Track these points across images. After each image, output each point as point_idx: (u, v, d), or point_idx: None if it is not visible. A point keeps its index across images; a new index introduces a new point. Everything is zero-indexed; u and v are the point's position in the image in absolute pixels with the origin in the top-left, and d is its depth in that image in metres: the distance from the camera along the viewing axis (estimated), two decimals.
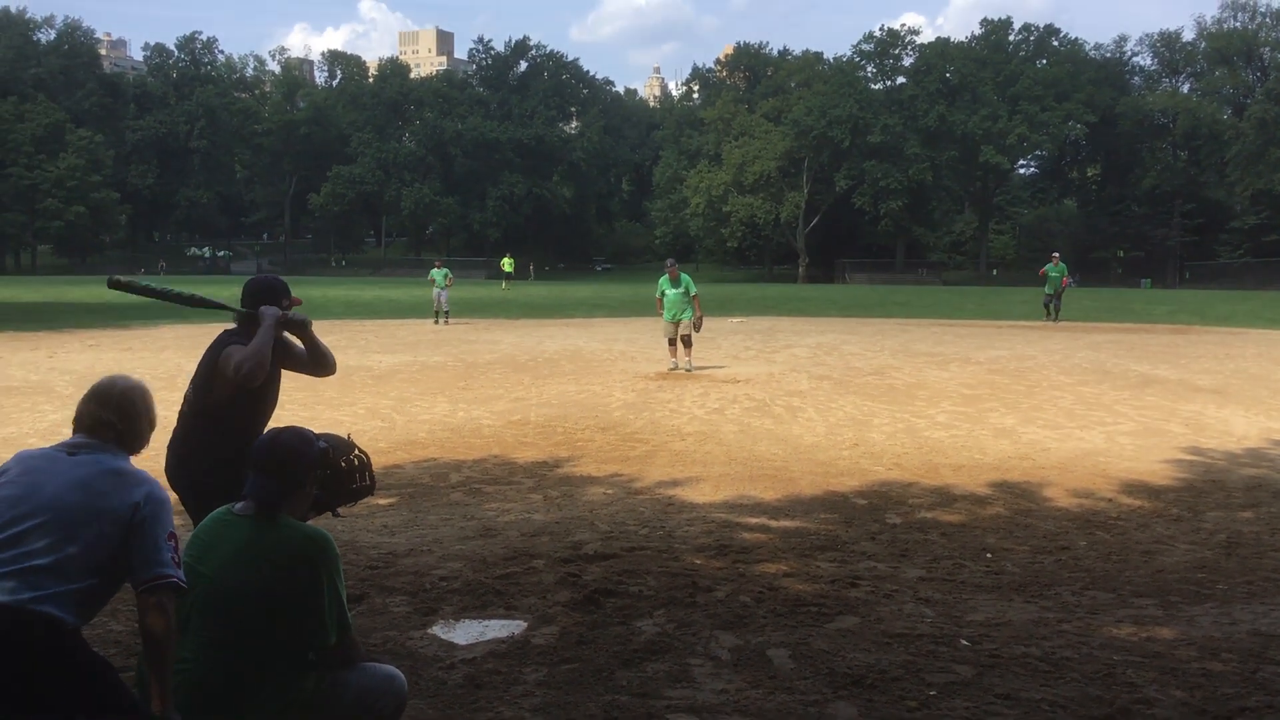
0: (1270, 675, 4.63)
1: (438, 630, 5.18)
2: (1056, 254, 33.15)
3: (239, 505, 3.48)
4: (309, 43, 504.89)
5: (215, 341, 4.79)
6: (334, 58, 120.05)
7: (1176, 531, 7.37)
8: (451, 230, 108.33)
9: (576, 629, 5.17)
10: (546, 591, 5.77)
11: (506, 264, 63.04)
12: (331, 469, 3.95)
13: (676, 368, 16.99)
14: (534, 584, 5.91)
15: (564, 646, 4.95)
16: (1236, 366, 18.79)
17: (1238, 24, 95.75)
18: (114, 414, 3.40)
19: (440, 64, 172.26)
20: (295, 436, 3.60)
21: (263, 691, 3.27)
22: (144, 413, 3.48)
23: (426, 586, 5.84)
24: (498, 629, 5.20)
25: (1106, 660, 4.80)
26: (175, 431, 4.76)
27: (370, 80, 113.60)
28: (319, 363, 5.12)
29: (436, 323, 28.15)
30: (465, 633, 5.14)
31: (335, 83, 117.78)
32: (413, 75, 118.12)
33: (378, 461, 9.44)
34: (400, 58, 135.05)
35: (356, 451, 4.21)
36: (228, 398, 4.64)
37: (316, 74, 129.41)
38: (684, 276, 17.31)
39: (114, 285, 4.92)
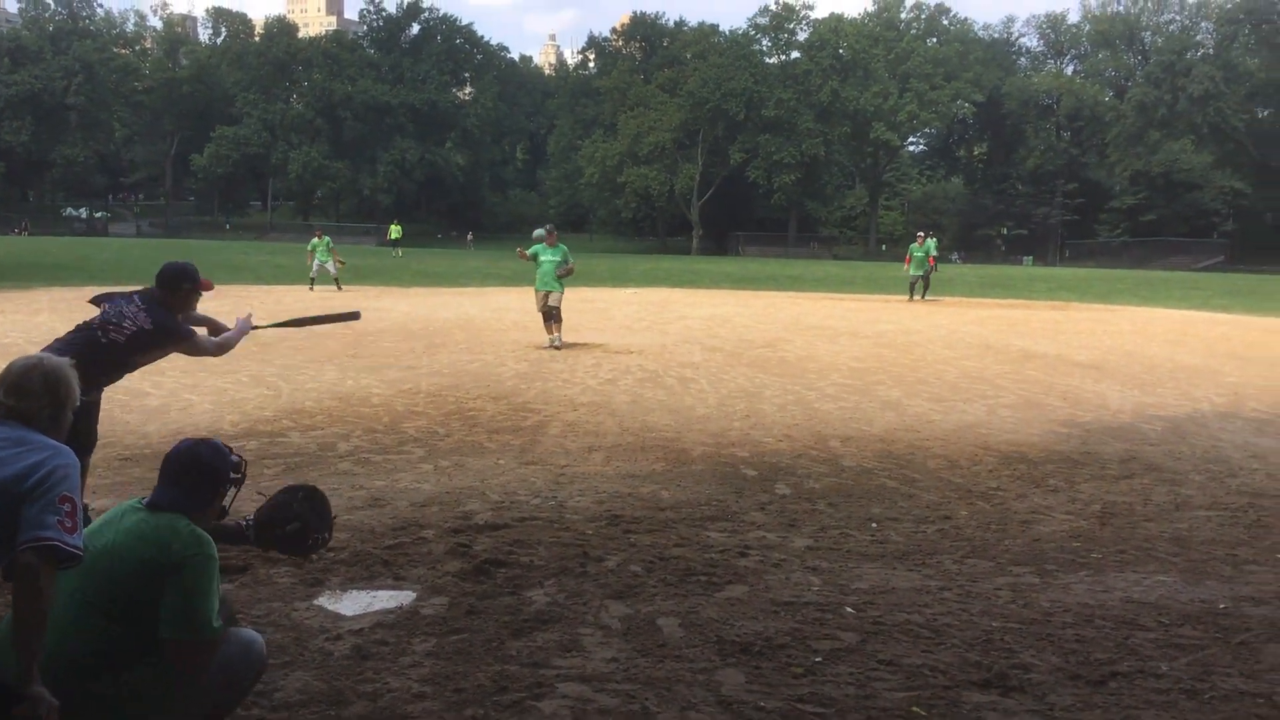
0: (1141, 641, 4.80)
1: (324, 601, 5.09)
2: (922, 233, 31.95)
3: (146, 498, 3.49)
4: None
5: (159, 317, 5.86)
6: (218, 14, 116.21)
7: (1054, 502, 7.60)
8: (341, 195, 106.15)
9: (466, 599, 5.14)
10: (436, 562, 5.71)
11: (395, 230, 62.28)
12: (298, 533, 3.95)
13: (556, 344, 15.99)
14: (423, 554, 5.84)
15: (453, 617, 4.91)
16: (1113, 343, 19.44)
17: (1120, 8, 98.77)
18: (10, 396, 3.26)
19: (329, 24, 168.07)
20: (211, 452, 3.59)
21: (115, 664, 3.22)
22: (41, 393, 3.31)
23: (313, 557, 5.73)
24: (386, 600, 5.13)
25: (986, 627, 4.93)
26: (65, 347, 5.53)
27: (256, 39, 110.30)
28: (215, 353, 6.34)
29: (312, 289, 27.91)
30: (352, 604, 5.07)
31: (220, 40, 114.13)
32: (301, 35, 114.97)
33: (262, 430, 9.26)
34: (288, 16, 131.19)
35: (326, 535, 4.14)
36: (148, 360, 6.00)
37: (200, 31, 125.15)
38: (561, 245, 16.54)
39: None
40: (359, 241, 79.74)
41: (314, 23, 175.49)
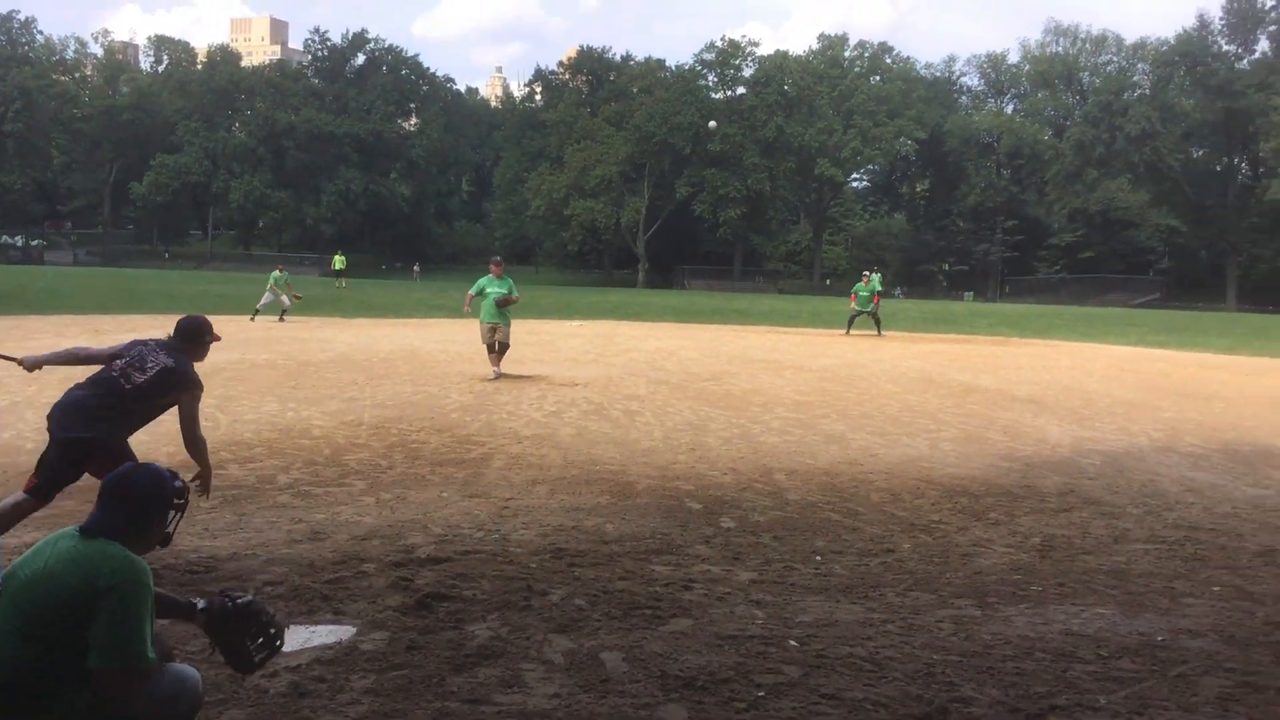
0: (1080, 674, 4.84)
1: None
2: (868, 272, 32.34)
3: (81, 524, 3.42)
4: (136, 26, 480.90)
5: (181, 360, 6.22)
6: (160, 42, 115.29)
7: (994, 535, 7.66)
8: (283, 225, 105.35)
9: (407, 634, 5.07)
10: (377, 596, 5.64)
11: (338, 261, 61.85)
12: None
13: (497, 375, 15.89)
14: (364, 588, 5.76)
15: (394, 652, 4.84)
16: (1052, 378, 19.70)
17: (1059, 49, 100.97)
18: None
19: (274, 53, 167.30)
20: (148, 477, 3.55)
21: (44, 692, 3.15)
22: None
23: (250, 592, 5.63)
24: (325, 635, 5.05)
25: (927, 660, 4.95)
26: (101, 394, 6.01)
27: (199, 67, 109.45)
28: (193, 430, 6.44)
29: (253, 320, 27.74)
30: (290, 639, 4.95)
31: (161, 68, 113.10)
32: (244, 64, 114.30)
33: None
34: (231, 45, 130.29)
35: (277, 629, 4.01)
36: (166, 404, 6.23)
37: (142, 59, 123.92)
38: (507, 278, 16.57)
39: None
40: (301, 272, 79.08)
41: (257, 51, 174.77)
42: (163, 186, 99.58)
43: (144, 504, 3.47)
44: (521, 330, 19.56)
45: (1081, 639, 5.34)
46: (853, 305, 31.52)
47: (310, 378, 15.55)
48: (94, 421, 5.97)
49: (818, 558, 6.86)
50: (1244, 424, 14.29)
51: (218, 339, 6.64)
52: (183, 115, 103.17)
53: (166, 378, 6.13)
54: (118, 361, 6.17)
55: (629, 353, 21.92)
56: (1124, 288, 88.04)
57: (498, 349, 16.21)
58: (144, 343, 6.35)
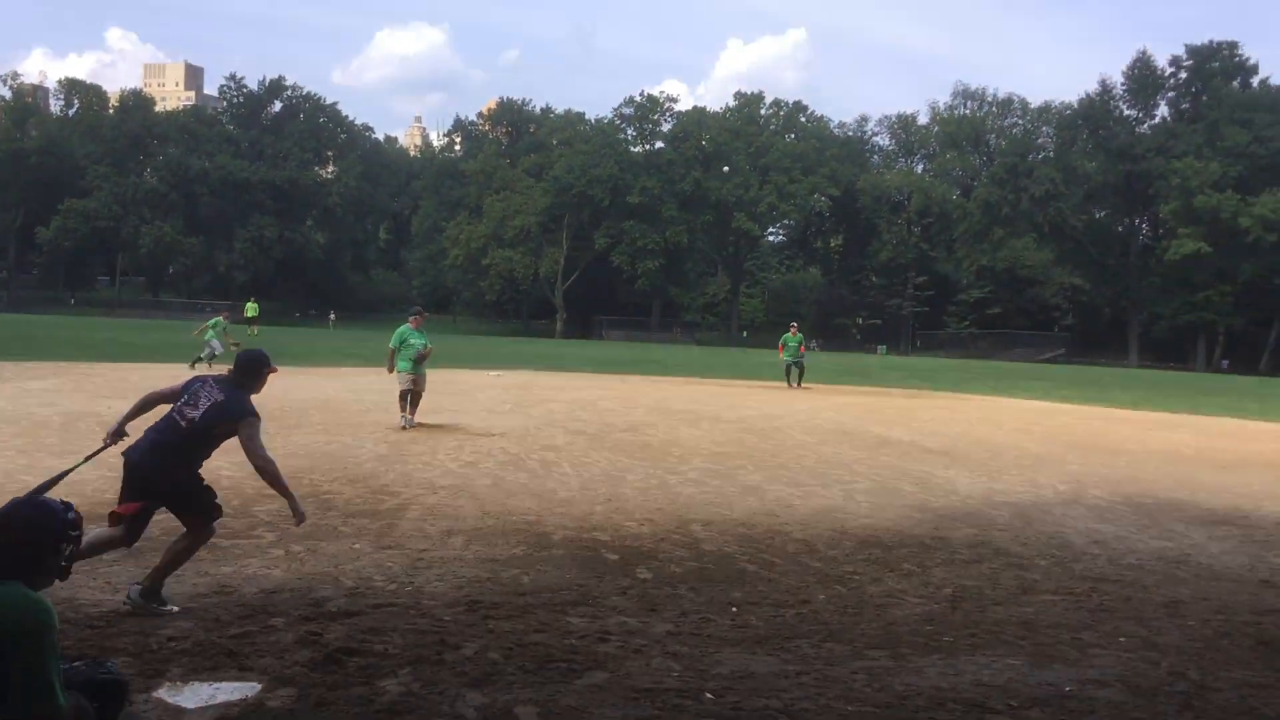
0: None
1: (163, 694, 4.83)
2: (795, 324, 33.77)
3: None
4: (47, 69, 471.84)
5: (233, 394, 6.51)
6: (71, 86, 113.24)
7: (907, 586, 7.72)
8: (194, 271, 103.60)
9: (316, 690, 4.94)
10: (285, 651, 5.49)
11: (251, 308, 60.91)
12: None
13: (409, 424, 15.86)
14: (271, 644, 5.62)
15: (301, 709, 4.71)
16: (962, 430, 20.05)
17: (967, 111, 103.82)
18: None
19: (188, 99, 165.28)
20: (34, 511, 3.42)
21: None
22: None
23: (153, 647, 5.46)
24: (230, 692, 4.90)
25: (841, 711, 4.95)
26: (164, 430, 6.41)
27: (111, 112, 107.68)
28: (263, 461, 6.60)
29: (193, 367, 27.12)
30: (194, 696, 4.82)
31: (72, 112, 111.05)
32: (158, 109, 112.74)
33: (104, 514, 8.80)
34: (145, 90, 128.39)
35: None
36: (218, 438, 6.50)
37: (52, 102, 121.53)
38: (423, 331, 16.66)
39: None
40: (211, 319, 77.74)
41: (171, 97, 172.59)
42: (70, 231, 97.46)
43: (30, 538, 3.34)
44: (438, 379, 19.42)
45: (992, 689, 5.39)
46: (782, 356, 32.26)
47: None
48: (161, 457, 6.34)
49: (734, 609, 6.85)
50: (1147, 477, 14.65)
51: (274, 370, 6.94)
52: (93, 160, 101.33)
53: (216, 411, 6.42)
54: (177, 402, 6.52)
55: (546, 403, 21.85)
56: (1030, 343, 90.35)
57: (412, 400, 16.12)
58: (202, 379, 6.67)
